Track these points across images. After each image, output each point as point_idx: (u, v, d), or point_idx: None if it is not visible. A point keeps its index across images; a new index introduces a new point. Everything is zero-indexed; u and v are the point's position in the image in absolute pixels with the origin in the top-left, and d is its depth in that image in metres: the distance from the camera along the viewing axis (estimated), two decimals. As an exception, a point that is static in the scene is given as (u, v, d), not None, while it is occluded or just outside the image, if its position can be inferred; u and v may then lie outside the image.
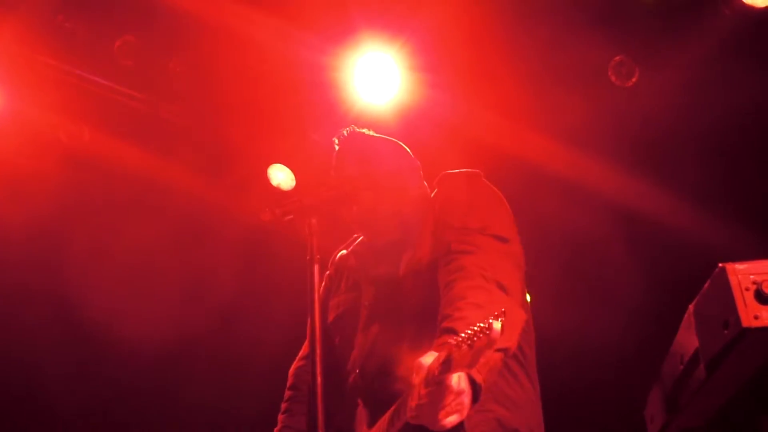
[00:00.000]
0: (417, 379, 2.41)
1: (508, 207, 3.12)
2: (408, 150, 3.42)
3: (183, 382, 6.56)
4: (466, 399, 2.44)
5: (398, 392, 2.73)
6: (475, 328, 2.21)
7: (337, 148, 3.38)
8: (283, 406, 3.44)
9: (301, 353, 3.55)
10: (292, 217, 2.87)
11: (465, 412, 2.46)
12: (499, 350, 2.55)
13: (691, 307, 2.85)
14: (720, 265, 2.60)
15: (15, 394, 6.47)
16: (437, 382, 2.35)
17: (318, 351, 2.67)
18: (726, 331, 2.55)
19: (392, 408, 2.69)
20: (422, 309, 2.92)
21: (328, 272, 3.45)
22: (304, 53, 5.43)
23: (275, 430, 3.39)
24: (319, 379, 2.64)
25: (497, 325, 2.18)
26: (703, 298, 2.76)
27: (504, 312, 2.21)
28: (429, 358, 2.39)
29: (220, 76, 5.68)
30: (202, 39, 5.51)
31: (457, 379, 2.38)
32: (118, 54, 5.49)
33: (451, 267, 2.78)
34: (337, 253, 3.51)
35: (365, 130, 3.42)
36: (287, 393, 3.46)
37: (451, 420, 2.42)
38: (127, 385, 6.54)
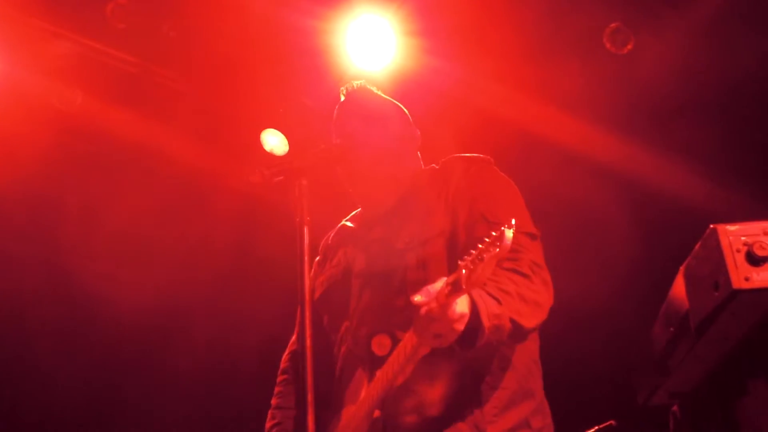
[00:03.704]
0: (424, 300, 2.46)
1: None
2: (410, 118, 3.39)
3: (176, 346, 6.56)
4: (459, 326, 2.47)
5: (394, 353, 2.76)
6: (486, 240, 2.27)
7: (342, 98, 3.34)
8: (276, 390, 3.44)
9: (291, 340, 3.54)
10: (281, 178, 2.82)
11: (450, 339, 2.51)
12: (511, 320, 2.59)
13: (681, 268, 2.84)
14: (711, 226, 2.59)
15: (6, 362, 6.46)
16: (443, 304, 2.40)
17: (308, 314, 2.64)
18: (716, 293, 2.55)
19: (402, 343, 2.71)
20: (418, 284, 2.91)
21: (317, 258, 3.42)
22: (296, 17, 5.34)
23: (269, 411, 3.38)
24: (308, 342, 2.62)
25: (509, 233, 2.25)
26: (694, 260, 2.75)
27: (514, 224, 2.27)
28: (438, 284, 2.44)
29: (213, 41, 5.62)
30: (194, 3, 5.45)
31: (461, 306, 2.45)
32: (111, 17, 5.44)
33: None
34: (326, 238, 3.49)
35: (374, 89, 3.38)
36: (279, 378, 3.46)
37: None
38: (120, 351, 6.55)
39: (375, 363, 2.87)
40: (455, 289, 2.37)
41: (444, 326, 2.46)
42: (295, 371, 3.38)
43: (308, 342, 2.62)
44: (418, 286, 2.82)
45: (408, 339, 2.63)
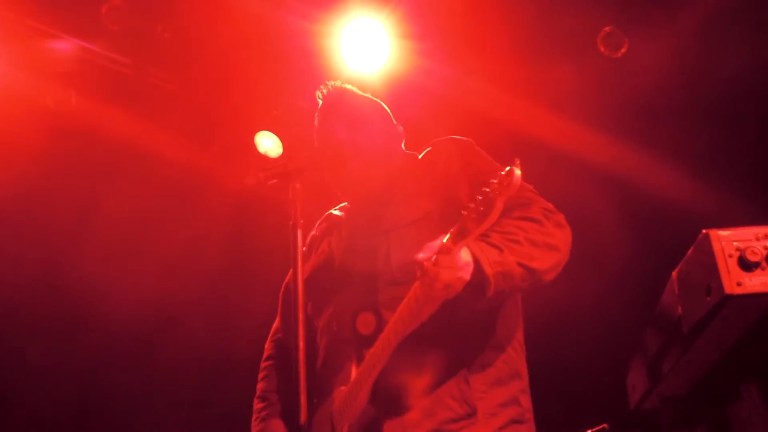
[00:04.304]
0: (428, 255, 2.49)
1: None
2: (391, 114, 3.39)
3: (170, 345, 6.54)
4: (465, 275, 2.52)
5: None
6: (494, 182, 2.28)
7: (321, 102, 3.32)
8: (261, 375, 3.46)
9: (273, 328, 3.55)
10: (276, 181, 2.83)
11: (458, 288, 2.54)
12: (520, 265, 2.62)
13: (674, 273, 2.84)
14: (704, 231, 2.59)
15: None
16: (449, 250, 2.44)
17: (300, 315, 2.64)
18: (708, 298, 2.55)
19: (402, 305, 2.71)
20: (402, 264, 2.90)
21: (303, 249, 3.43)
22: (290, 19, 5.35)
23: (255, 398, 3.40)
24: (301, 344, 2.62)
25: (517, 171, 2.26)
26: (686, 265, 2.75)
27: (519, 164, 2.28)
28: (438, 241, 2.48)
29: (207, 42, 5.62)
30: (189, 4, 5.44)
31: (464, 255, 2.49)
32: (105, 19, 5.43)
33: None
34: (312, 230, 3.50)
35: (350, 87, 3.37)
36: (263, 364, 3.48)
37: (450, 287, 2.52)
38: (114, 349, 6.52)
39: (361, 343, 2.88)
40: (461, 236, 2.41)
41: (451, 274, 2.49)
42: (280, 358, 3.42)
43: (301, 344, 2.62)
44: (403, 266, 2.83)
45: (411, 297, 2.63)
